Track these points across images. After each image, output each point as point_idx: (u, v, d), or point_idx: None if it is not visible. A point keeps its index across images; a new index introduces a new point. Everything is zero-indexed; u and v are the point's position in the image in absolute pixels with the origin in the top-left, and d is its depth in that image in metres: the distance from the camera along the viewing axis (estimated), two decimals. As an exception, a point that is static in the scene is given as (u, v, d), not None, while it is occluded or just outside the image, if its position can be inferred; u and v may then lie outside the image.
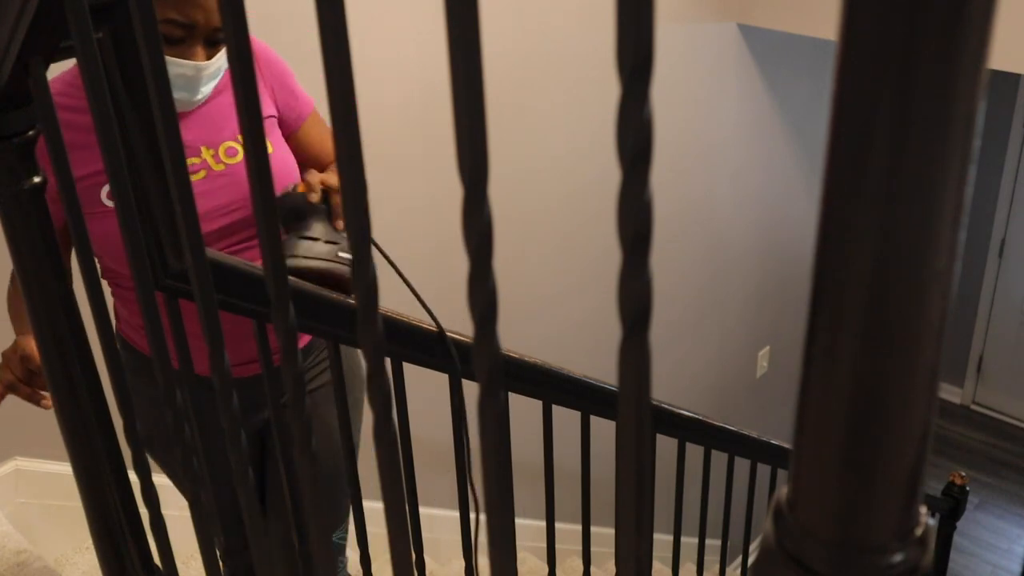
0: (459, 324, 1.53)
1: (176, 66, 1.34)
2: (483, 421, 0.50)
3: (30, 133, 0.99)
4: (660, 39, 0.39)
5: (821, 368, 0.34)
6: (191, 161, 1.42)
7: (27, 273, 1.04)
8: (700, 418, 2.13)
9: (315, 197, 1.41)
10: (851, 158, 0.30)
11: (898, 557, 0.36)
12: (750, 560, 3.33)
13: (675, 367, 3.70)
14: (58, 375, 1.09)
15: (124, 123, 1.00)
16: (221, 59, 1.37)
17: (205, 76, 1.37)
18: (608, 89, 0.54)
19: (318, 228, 1.42)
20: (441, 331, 1.46)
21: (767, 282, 4.13)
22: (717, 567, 3.36)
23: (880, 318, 0.32)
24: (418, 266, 2.56)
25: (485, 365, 0.48)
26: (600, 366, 1.68)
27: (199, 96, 1.39)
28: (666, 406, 2.00)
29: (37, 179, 1.01)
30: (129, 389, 1.08)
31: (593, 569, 2.16)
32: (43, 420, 1.36)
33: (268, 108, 1.52)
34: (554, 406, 1.68)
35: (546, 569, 1.98)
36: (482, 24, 0.41)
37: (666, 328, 3.54)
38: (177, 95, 1.36)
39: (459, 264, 1.70)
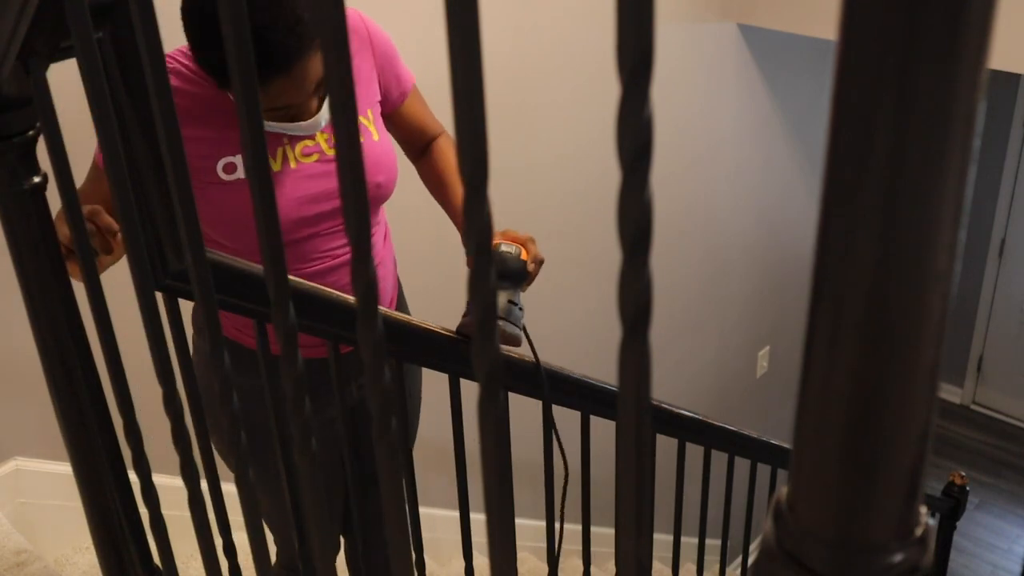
0: (458, 323, 1.54)
1: (297, 130, 1.43)
2: (483, 421, 0.50)
3: (30, 133, 0.99)
4: (660, 39, 0.39)
5: (821, 368, 0.34)
6: (306, 143, 1.48)
7: (27, 273, 1.04)
8: (700, 418, 2.13)
9: (532, 268, 1.50)
10: (851, 158, 0.30)
11: (898, 557, 0.36)
12: (750, 560, 3.33)
13: (675, 367, 3.70)
14: (58, 375, 1.09)
15: (124, 123, 1.00)
16: None
17: (324, 115, 1.45)
18: (609, 89, 0.54)
19: (519, 296, 1.50)
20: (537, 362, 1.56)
21: (767, 282, 4.12)
22: (717, 567, 3.36)
23: (880, 318, 0.32)
24: (418, 265, 2.56)
25: (485, 365, 0.48)
26: (600, 366, 1.68)
27: (324, 123, 1.46)
28: (666, 406, 2.00)
29: (37, 179, 1.01)
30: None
31: (593, 569, 2.16)
32: (43, 420, 1.36)
33: (374, 93, 1.56)
34: (554, 406, 1.68)
35: (546, 569, 1.98)
36: (482, 23, 0.41)
37: (666, 328, 3.54)
38: (303, 133, 1.46)
39: (458, 264, 1.71)
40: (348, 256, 1.59)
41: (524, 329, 1.50)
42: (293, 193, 1.46)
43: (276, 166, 1.46)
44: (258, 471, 1.06)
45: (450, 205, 1.64)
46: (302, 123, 1.42)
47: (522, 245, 1.49)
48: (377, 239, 1.62)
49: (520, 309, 1.48)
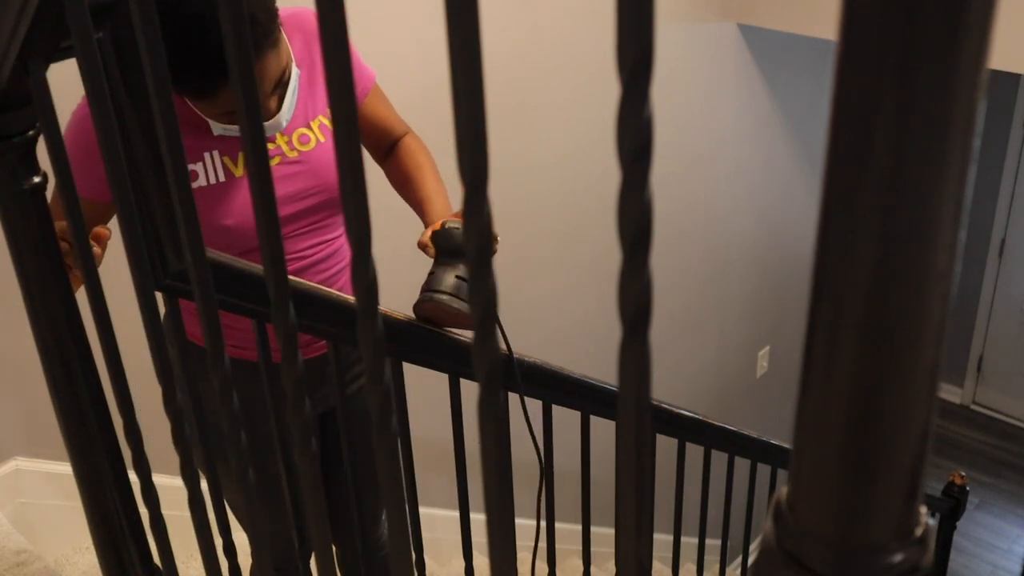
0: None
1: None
2: (483, 421, 0.50)
3: (30, 133, 0.99)
4: (660, 39, 0.39)
5: (821, 368, 0.34)
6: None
7: (27, 273, 1.04)
8: (700, 418, 2.13)
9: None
10: (851, 158, 0.30)
11: (898, 557, 0.36)
12: (750, 560, 3.33)
13: (675, 367, 3.70)
14: (58, 375, 1.09)
15: (124, 123, 1.00)
16: (291, 79, 1.41)
17: (284, 115, 1.42)
18: (609, 89, 0.54)
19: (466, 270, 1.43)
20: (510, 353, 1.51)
21: (767, 282, 4.12)
22: (717, 567, 3.36)
23: (880, 318, 0.32)
24: (418, 265, 2.55)
25: (485, 365, 0.48)
26: (600, 366, 1.68)
27: (285, 123, 1.45)
28: (666, 406, 2.00)
29: (37, 179, 1.01)
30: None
31: (593, 569, 2.16)
32: (43, 420, 1.36)
33: (324, 98, 1.55)
34: (554, 406, 1.68)
35: (546, 569, 1.98)
36: (482, 23, 0.41)
37: (666, 328, 3.54)
38: (269, 134, 1.43)
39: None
40: (316, 256, 1.60)
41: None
42: (288, 188, 1.46)
43: (238, 171, 1.45)
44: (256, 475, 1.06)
45: (415, 197, 1.60)
46: (268, 123, 1.40)
47: None
48: (343, 241, 1.61)
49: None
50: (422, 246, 1.42)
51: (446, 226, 1.40)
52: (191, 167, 1.42)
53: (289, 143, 1.48)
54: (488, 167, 0.43)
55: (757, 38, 3.44)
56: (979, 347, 5.57)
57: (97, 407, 1.12)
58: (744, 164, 3.72)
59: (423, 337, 1.48)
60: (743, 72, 3.51)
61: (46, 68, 0.93)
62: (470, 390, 0.72)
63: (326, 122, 1.52)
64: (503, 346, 1.51)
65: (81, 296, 1.04)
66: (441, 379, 1.55)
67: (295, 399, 0.76)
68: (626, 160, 0.38)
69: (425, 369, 1.54)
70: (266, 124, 1.40)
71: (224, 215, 1.43)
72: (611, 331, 0.54)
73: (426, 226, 1.53)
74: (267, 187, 0.65)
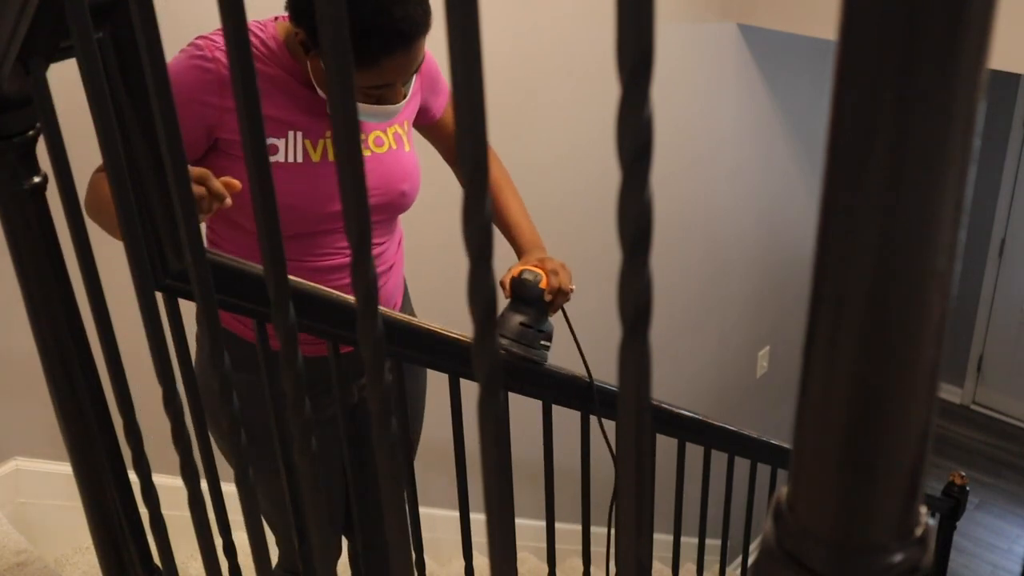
0: (459, 324, 1.54)
1: (378, 115, 1.45)
2: (483, 421, 0.50)
3: (30, 133, 0.99)
4: (660, 39, 0.39)
5: (821, 368, 0.34)
6: None
7: (27, 273, 1.04)
8: (700, 418, 2.13)
9: (549, 299, 1.53)
10: (851, 158, 0.30)
11: (898, 557, 0.36)
12: (750, 560, 3.33)
13: (675, 367, 3.70)
14: (58, 375, 1.09)
15: (124, 123, 1.00)
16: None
17: (401, 104, 1.47)
18: (609, 89, 0.54)
19: (545, 322, 1.56)
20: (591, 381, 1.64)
21: (767, 282, 4.12)
22: (717, 567, 3.36)
23: (880, 318, 0.32)
24: (418, 265, 2.55)
25: (485, 365, 0.48)
26: (600, 366, 1.68)
27: (397, 113, 1.49)
28: (666, 406, 2.00)
29: (37, 179, 1.01)
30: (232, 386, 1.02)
31: (593, 569, 2.16)
32: (43, 420, 1.36)
33: (414, 108, 1.61)
34: (554, 406, 1.68)
35: (546, 569, 1.98)
36: (482, 23, 0.41)
37: (666, 328, 3.54)
38: (375, 121, 1.49)
39: (459, 263, 1.71)
40: None
41: (579, 349, 1.61)
42: (327, 185, 1.49)
43: (315, 156, 1.48)
44: (258, 470, 1.06)
45: (499, 219, 1.69)
46: (390, 107, 1.45)
47: (545, 272, 1.55)
48: (392, 244, 1.65)
49: (540, 331, 1.54)
50: (501, 284, 1.51)
51: (523, 276, 1.53)
52: (272, 141, 1.45)
53: (364, 143, 1.51)
54: (489, 166, 0.43)
55: (757, 38, 3.44)
56: (979, 347, 5.56)
57: (97, 407, 1.12)
58: (744, 164, 3.72)
59: (423, 337, 1.48)
60: (743, 72, 3.51)
61: (46, 68, 0.93)
62: (470, 390, 0.72)
63: (400, 131, 1.57)
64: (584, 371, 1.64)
65: (81, 296, 1.05)
66: (441, 379, 1.55)
67: (295, 399, 0.76)
68: (626, 160, 0.38)
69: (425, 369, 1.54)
70: (392, 107, 1.45)
71: (287, 194, 1.45)
72: (611, 331, 0.54)
73: (516, 252, 1.64)
74: (268, 189, 0.65)
